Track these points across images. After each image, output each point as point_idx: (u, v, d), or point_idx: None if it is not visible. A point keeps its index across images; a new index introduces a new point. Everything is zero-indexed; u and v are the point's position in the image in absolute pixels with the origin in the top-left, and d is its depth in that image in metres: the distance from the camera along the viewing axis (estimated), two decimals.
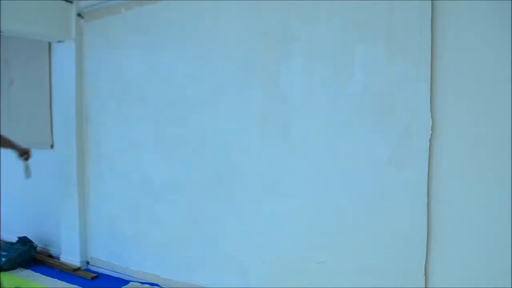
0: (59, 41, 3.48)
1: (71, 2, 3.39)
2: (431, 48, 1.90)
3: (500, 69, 1.76)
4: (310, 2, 2.25)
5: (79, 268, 3.43)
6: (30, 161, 4.01)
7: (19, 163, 4.18)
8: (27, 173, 3.12)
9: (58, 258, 3.66)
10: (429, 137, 1.92)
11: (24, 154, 3.08)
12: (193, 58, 2.76)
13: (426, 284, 1.97)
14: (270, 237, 2.49)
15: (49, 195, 3.81)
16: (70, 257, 3.54)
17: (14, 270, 3.40)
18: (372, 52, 2.08)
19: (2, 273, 3.28)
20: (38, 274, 3.35)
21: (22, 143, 4.00)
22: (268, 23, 2.42)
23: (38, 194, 3.95)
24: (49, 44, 3.69)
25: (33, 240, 3.71)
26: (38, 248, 3.72)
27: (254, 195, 2.53)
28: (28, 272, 3.39)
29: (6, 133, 4.14)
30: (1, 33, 3.05)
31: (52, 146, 3.75)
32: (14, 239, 3.76)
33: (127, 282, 3.16)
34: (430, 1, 1.90)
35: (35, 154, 3.96)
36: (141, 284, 3.08)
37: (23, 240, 3.68)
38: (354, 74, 2.14)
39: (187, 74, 2.80)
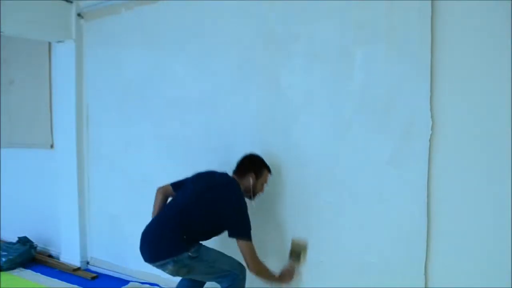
0: (59, 41, 3.48)
1: (71, 2, 3.39)
2: (431, 48, 1.90)
3: (500, 69, 1.76)
4: (310, 2, 2.25)
5: (79, 268, 3.43)
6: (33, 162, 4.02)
7: (19, 163, 4.20)
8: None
9: (58, 258, 3.66)
10: (429, 137, 1.92)
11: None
12: (193, 58, 2.76)
13: (426, 284, 1.97)
14: (269, 236, 2.49)
15: (49, 195, 3.81)
16: (70, 257, 3.54)
17: (14, 270, 3.39)
18: (372, 52, 2.08)
19: (2, 273, 3.29)
20: (38, 274, 3.35)
21: (25, 143, 4.03)
22: (268, 23, 2.41)
23: (38, 194, 3.95)
24: (49, 44, 3.69)
25: (33, 240, 3.71)
26: (38, 248, 3.72)
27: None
28: (28, 272, 3.38)
29: (6, 133, 4.16)
30: (1, 33, 3.05)
31: (52, 146, 3.75)
32: (14, 239, 3.75)
33: (127, 282, 3.16)
34: (430, 1, 1.90)
35: (35, 154, 3.99)
36: (141, 284, 3.08)
37: (23, 240, 3.68)
38: (354, 74, 2.14)
39: (188, 74, 2.80)
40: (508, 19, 1.73)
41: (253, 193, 2.25)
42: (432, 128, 1.92)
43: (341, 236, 2.22)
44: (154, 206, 2.33)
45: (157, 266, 2.07)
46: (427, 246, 1.95)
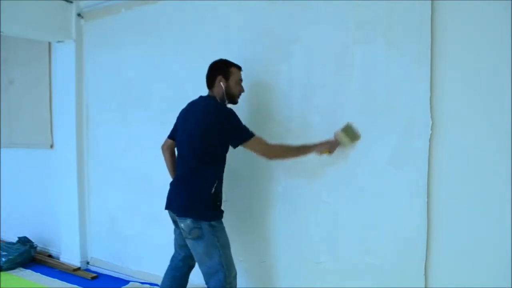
0: (59, 41, 3.48)
1: (71, 2, 3.39)
2: (431, 48, 1.90)
3: (500, 69, 1.76)
4: (310, 2, 2.25)
5: (79, 268, 3.43)
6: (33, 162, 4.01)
7: (19, 163, 4.19)
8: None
9: (58, 258, 3.67)
10: (429, 137, 1.92)
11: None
12: (193, 58, 2.76)
13: (426, 284, 1.97)
14: (269, 237, 2.49)
15: (49, 195, 3.81)
16: (70, 257, 3.55)
17: (14, 270, 3.40)
18: (372, 52, 2.08)
19: (2, 273, 3.29)
20: (38, 274, 3.35)
21: (25, 143, 4.03)
22: (268, 23, 2.41)
23: (38, 194, 3.96)
24: (49, 44, 3.69)
25: (33, 240, 3.71)
26: (38, 248, 3.72)
27: (250, 195, 2.53)
28: (28, 272, 3.39)
29: (6, 133, 4.16)
30: (1, 33, 3.05)
31: (52, 146, 3.75)
32: (14, 239, 3.76)
33: (127, 282, 3.16)
34: (430, 1, 1.90)
35: (35, 154, 3.99)
36: (141, 284, 3.08)
37: (23, 240, 3.68)
38: (354, 74, 2.14)
39: (188, 74, 2.80)
40: (508, 19, 1.73)
41: (230, 95, 2.15)
42: (432, 128, 1.92)
43: (340, 236, 2.22)
44: (168, 167, 2.41)
45: (178, 217, 2.07)
46: (427, 246, 1.95)
